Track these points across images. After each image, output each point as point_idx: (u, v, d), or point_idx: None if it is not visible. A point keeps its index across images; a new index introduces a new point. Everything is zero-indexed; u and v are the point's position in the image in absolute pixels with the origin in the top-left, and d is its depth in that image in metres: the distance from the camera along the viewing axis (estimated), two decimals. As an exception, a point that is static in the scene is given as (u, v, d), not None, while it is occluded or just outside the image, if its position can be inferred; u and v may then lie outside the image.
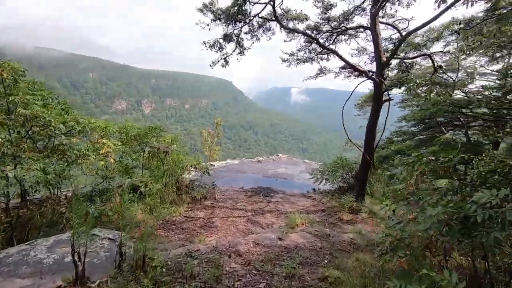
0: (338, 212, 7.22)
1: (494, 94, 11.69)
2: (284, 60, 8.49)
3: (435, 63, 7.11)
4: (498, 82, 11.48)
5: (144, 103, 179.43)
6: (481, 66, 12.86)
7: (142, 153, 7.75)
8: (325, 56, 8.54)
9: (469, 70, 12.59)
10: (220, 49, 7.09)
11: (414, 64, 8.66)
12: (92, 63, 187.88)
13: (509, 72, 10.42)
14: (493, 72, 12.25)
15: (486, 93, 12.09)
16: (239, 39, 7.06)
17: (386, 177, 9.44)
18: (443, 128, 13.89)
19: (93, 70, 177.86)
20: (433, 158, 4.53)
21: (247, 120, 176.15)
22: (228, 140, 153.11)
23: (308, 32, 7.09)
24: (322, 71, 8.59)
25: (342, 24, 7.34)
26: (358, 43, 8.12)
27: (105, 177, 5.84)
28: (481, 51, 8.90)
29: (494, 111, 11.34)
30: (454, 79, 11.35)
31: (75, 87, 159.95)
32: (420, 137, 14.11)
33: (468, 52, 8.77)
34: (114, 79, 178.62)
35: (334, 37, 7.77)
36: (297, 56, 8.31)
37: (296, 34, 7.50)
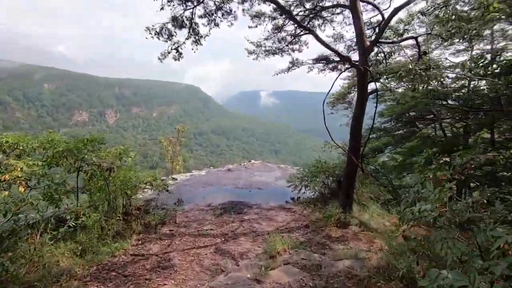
0: (324, 227, 6.08)
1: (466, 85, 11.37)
2: (250, 52, 7.27)
3: (420, 48, 6.23)
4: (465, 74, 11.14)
5: (108, 113, 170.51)
6: (446, 59, 12.55)
7: (79, 173, 6.13)
8: (297, 46, 7.45)
9: (438, 63, 12.19)
10: (170, 37, 5.67)
11: (392, 53, 7.82)
12: (48, 73, 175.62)
13: (479, 63, 10.02)
14: (457, 63, 11.95)
15: (453, 85, 11.77)
16: (193, 24, 5.72)
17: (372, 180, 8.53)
18: (416, 123, 13.46)
19: (49, 81, 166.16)
20: (447, 159, 3.46)
21: (218, 126, 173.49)
22: (199, 147, 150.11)
23: (280, 13, 5.88)
24: (294, 64, 7.48)
25: (318, 5, 6.25)
26: (334, 29, 7.11)
27: (12, 213, 4.20)
28: (458, 37, 8.26)
29: (467, 102, 10.97)
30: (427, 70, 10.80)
31: (29, 99, 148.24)
32: (396, 133, 13.54)
33: (447, 38, 8.05)
34: (73, 89, 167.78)
35: (307, 22, 6.69)
36: (264, 46, 7.14)
37: (262, 18, 6.32)
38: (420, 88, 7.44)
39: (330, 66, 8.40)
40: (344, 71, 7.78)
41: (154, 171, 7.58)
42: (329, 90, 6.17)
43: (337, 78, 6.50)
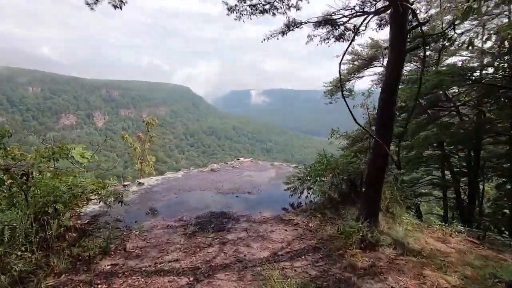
0: (343, 250, 4.18)
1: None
2: (231, 9, 5.34)
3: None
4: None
5: (96, 115, 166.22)
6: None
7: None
8: (294, 1, 5.52)
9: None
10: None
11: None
12: (32, 76, 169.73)
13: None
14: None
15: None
16: None
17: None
18: (428, 111, 11.77)
19: (33, 84, 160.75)
20: None
21: (209, 126, 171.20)
22: (191, 147, 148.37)
23: None
24: (290, 25, 5.57)
25: None
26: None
27: None
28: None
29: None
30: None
31: (13, 103, 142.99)
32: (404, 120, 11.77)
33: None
34: (59, 92, 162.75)
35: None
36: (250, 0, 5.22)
37: None
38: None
39: (336, 33, 6.49)
40: (356, 34, 5.84)
41: (96, 177, 5.54)
42: (344, 52, 4.26)
43: (351, 43, 4.63)
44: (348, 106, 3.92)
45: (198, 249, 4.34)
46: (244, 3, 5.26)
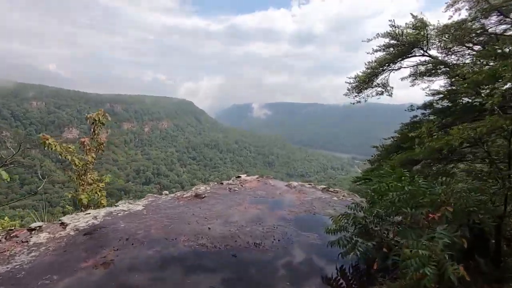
0: None
1: None
2: None
3: None
4: None
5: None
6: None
7: None
8: None
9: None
10: None
11: None
12: (36, 91, 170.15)
13: None
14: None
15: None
16: None
17: None
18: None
19: (38, 98, 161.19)
20: None
21: (211, 139, 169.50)
22: (193, 160, 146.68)
23: None
24: None
25: None
26: None
27: None
28: None
29: None
30: None
31: (17, 118, 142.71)
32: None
33: None
34: (62, 106, 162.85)
35: None
36: None
37: None
38: None
39: None
40: None
41: None
42: None
43: None
44: None
45: None
46: None
